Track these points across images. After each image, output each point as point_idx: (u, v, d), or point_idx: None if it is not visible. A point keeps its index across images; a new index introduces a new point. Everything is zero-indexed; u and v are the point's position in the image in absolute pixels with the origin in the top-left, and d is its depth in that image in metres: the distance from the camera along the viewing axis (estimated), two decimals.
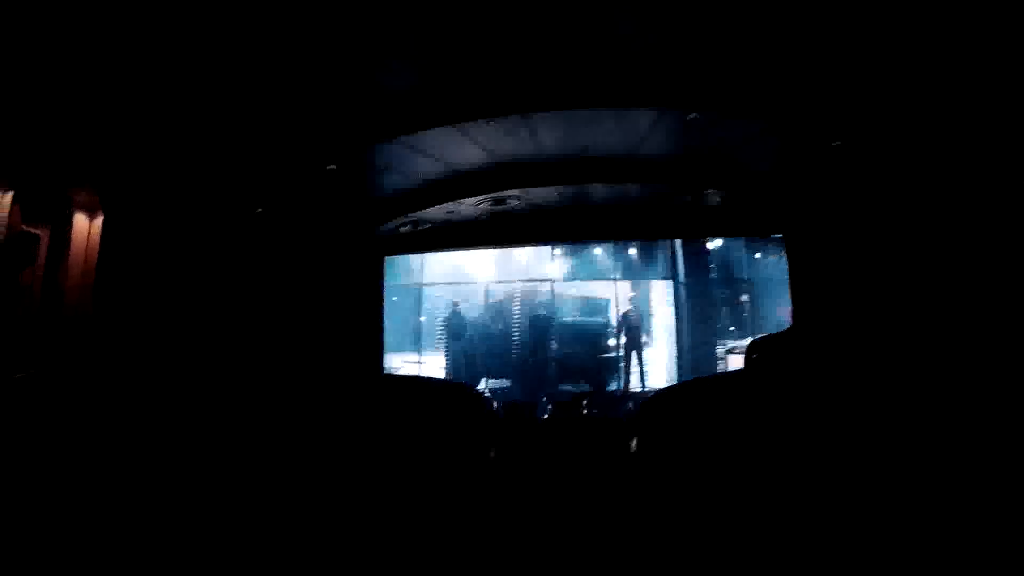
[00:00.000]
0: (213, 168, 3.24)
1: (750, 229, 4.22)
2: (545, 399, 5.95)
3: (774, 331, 1.71)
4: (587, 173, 3.66)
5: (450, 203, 3.79)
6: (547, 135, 3.30)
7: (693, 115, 3.05)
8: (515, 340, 7.47)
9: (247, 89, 2.80)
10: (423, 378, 1.44)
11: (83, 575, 1.13)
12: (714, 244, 6.73)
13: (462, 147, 3.30)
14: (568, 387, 6.64)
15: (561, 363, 7.17)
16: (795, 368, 1.44)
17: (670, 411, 1.35)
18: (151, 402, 1.54)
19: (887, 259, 3.24)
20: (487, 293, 8.44)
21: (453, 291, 8.25)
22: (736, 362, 6.69)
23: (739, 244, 6.87)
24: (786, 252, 3.88)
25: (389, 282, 4.96)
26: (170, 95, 2.81)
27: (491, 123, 3.06)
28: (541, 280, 7.88)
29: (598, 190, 3.94)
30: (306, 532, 1.15)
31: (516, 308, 7.77)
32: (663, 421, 1.32)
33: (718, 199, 3.93)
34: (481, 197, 3.76)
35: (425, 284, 8.35)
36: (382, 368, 4.00)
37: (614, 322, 7.42)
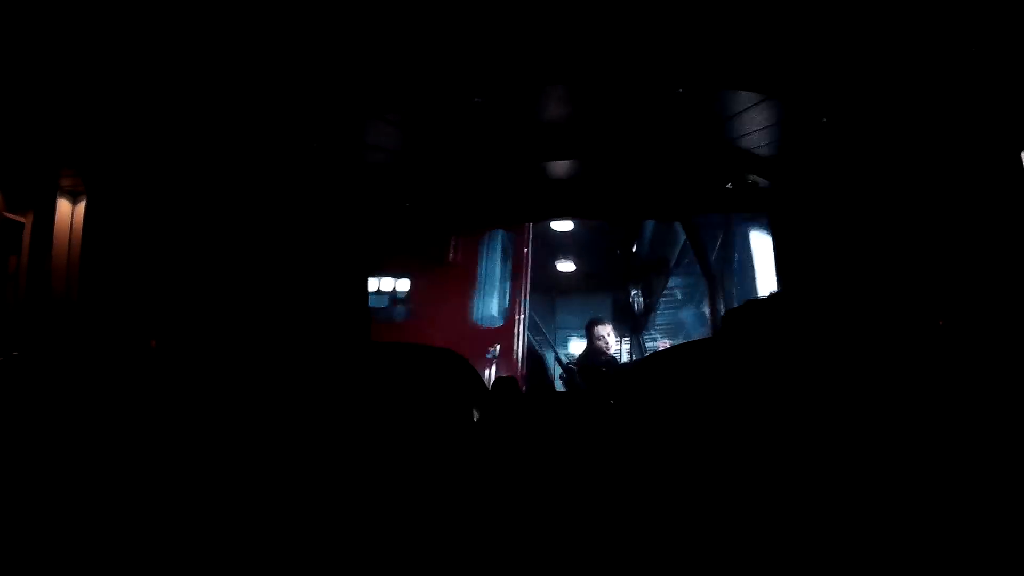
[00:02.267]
0: (198, 150, 3.22)
1: (734, 207, 4.29)
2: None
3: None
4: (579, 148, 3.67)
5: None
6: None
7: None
8: None
9: (233, 74, 2.78)
10: (408, 345, 1.44)
11: (71, 550, 1.14)
12: None
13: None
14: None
15: None
16: (786, 334, 1.45)
17: (656, 380, 1.34)
18: (136, 381, 1.54)
19: (872, 238, 3.27)
20: None
21: None
22: None
23: None
24: (771, 231, 4.05)
25: None
26: (153, 76, 2.78)
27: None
28: None
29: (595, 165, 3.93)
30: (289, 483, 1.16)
31: None
32: (648, 391, 1.31)
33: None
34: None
35: None
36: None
37: None
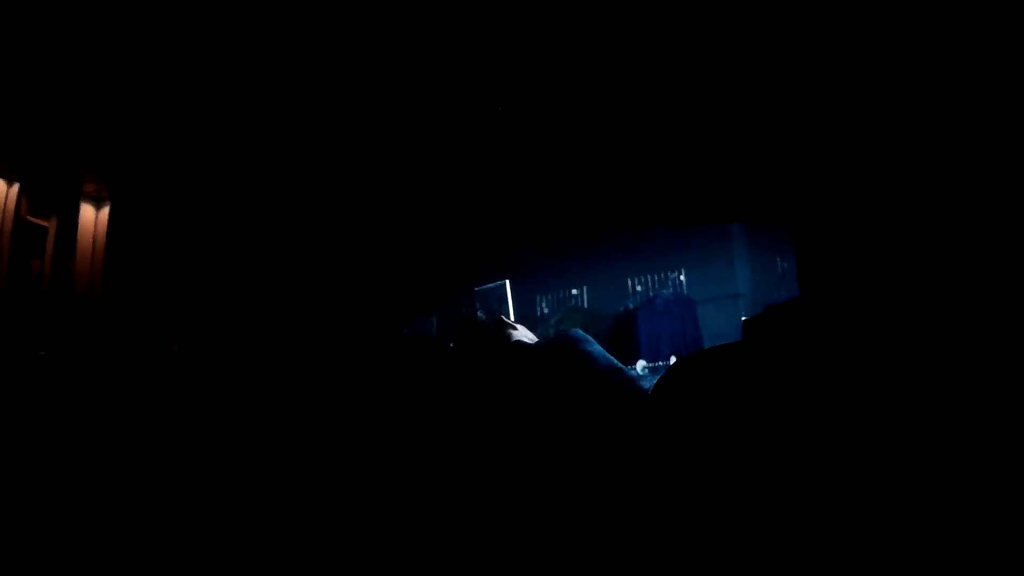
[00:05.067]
0: (220, 156, 3.24)
1: (747, 215, 4.17)
2: None
3: None
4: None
5: None
6: None
7: None
8: None
9: (252, 85, 2.80)
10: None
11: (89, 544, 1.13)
12: None
13: None
14: None
15: None
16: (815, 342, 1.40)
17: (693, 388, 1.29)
18: (159, 385, 1.54)
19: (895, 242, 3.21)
20: None
21: None
22: None
23: None
24: (792, 238, 3.95)
25: None
26: (177, 84, 2.80)
27: None
28: None
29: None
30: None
31: None
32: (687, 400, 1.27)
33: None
34: None
35: None
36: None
37: None
